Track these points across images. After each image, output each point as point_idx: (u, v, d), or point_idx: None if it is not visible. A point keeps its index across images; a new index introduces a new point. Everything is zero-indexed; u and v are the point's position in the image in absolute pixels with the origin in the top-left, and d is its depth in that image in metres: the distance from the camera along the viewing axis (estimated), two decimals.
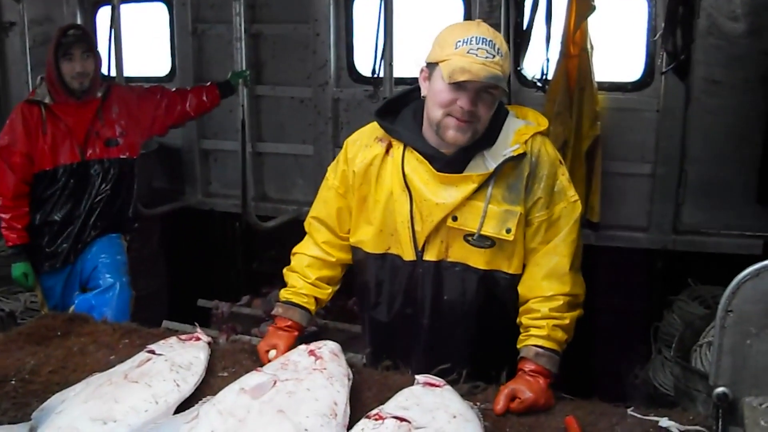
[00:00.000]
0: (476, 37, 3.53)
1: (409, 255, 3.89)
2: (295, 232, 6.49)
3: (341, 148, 7.19)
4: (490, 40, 3.53)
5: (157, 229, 8.22)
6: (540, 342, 3.61)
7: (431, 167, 3.75)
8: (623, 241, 7.09)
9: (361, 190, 3.97)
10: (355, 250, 4.08)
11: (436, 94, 3.62)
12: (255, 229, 7.55)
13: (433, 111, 3.65)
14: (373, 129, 4.01)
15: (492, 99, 3.59)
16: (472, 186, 3.68)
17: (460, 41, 3.54)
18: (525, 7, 7.00)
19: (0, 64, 9.74)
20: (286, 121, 8.11)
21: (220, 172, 8.58)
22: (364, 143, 4.00)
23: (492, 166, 3.67)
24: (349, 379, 3.31)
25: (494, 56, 3.50)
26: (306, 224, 4.23)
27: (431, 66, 3.66)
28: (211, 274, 8.45)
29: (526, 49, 6.96)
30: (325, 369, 3.30)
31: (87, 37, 6.31)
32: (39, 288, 6.53)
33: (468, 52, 3.50)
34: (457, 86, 3.52)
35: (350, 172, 3.99)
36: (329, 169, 4.17)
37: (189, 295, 7.70)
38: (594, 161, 6.83)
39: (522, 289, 3.78)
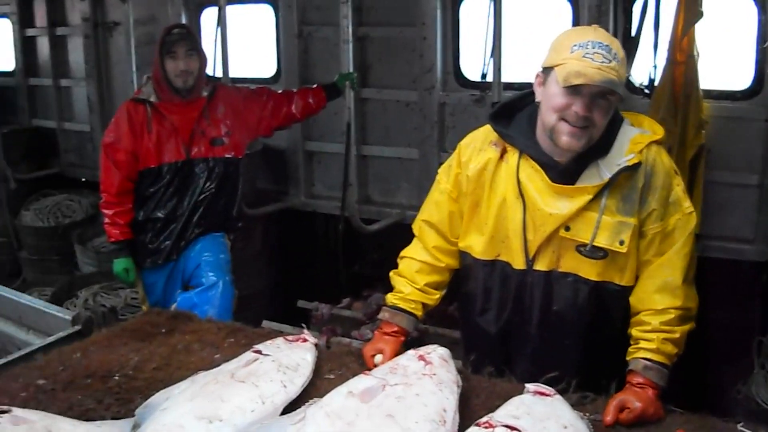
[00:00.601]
0: (592, 42, 3.46)
1: (519, 263, 3.82)
2: (398, 235, 6.45)
3: (446, 152, 7.25)
4: (606, 45, 3.46)
5: (260, 229, 8.25)
6: (649, 355, 3.52)
7: (546, 177, 3.68)
8: (727, 253, 6.89)
9: (474, 194, 3.90)
10: (463, 255, 4.01)
11: (550, 99, 3.55)
12: (358, 231, 7.53)
13: (548, 116, 3.57)
14: (487, 132, 3.93)
15: (608, 105, 3.50)
16: (587, 197, 3.60)
17: (576, 45, 3.47)
18: (633, 13, 6.89)
19: (104, 63, 9.88)
20: (391, 125, 8.06)
21: (324, 173, 8.55)
22: (478, 147, 3.92)
23: (607, 176, 3.59)
24: (458, 386, 3.26)
25: (610, 61, 3.43)
26: (416, 227, 4.16)
27: (546, 71, 3.58)
28: (312, 275, 8.45)
29: (634, 55, 6.84)
30: (434, 374, 3.26)
31: (190, 36, 6.37)
32: (140, 284, 6.59)
33: (584, 56, 3.43)
34: (573, 91, 3.44)
35: (463, 176, 3.93)
36: (441, 171, 4.10)
37: (289, 296, 7.73)
38: (697, 170, 6.69)
39: (633, 300, 3.70)
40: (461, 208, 3.97)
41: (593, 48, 3.45)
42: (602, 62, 3.41)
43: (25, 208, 9.90)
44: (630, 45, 6.81)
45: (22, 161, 10.45)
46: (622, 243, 3.61)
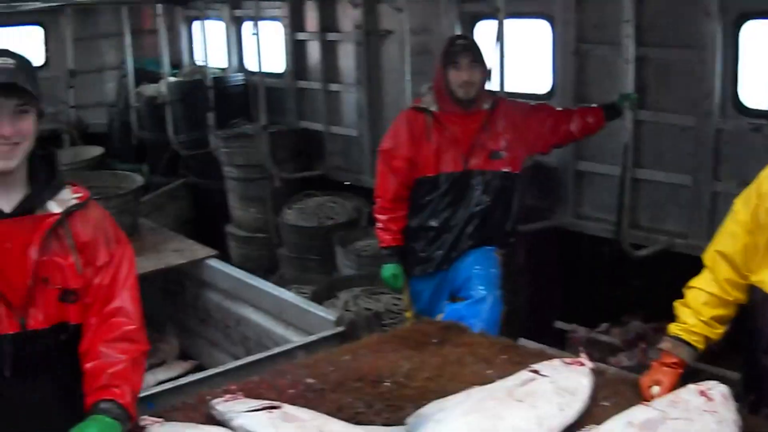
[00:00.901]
0: None
1: None
2: (664, 263, 6.31)
3: (720, 181, 7.02)
4: None
5: (524, 245, 8.17)
6: None
7: None
8: None
9: None
10: (754, 289, 3.78)
11: None
12: (624, 256, 7.35)
13: None
14: None
15: None
16: None
17: None
18: None
19: (375, 70, 9.98)
20: (665, 149, 7.84)
21: (594, 194, 8.38)
22: None
23: None
24: (738, 426, 3.14)
25: None
26: (708, 258, 3.96)
27: None
28: (570, 296, 8.31)
29: None
30: (716, 412, 3.18)
31: (474, 47, 6.31)
32: (407, 291, 6.59)
33: None
34: None
35: (762, 209, 3.71)
36: (738, 201, 3.89)
37: (546, 315, 7.62)
38: None
39: None
40: (757, 241, 3.76)
41: None
42: None
43: (288, 206, 10.08)
44: None
45: (288, 161, 10.66)
46: None
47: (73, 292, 3.42)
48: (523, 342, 6.29)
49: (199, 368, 7.11)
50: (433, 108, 6.25)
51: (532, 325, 7.70)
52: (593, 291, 7.99)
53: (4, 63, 3.30)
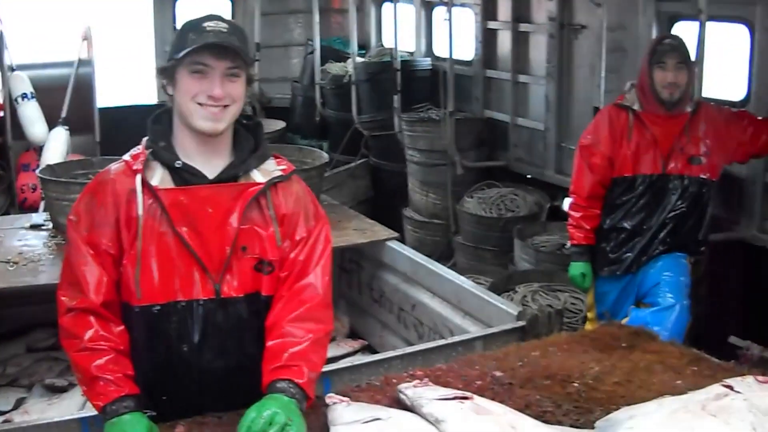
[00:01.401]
0: None
1: None
2: None
3: None
4: None
5: (706, 256, 8.06)
6: None
7: None
8: None
9: None
10: None
11: None
12: None
13: None
14: None
15: None
16: None
17: None
18: None
19: (566, 64, 9.90)
20: None
21: None
22: None
23: None
24: None
25: None
26: None
27: None
28: (749, 312, 8.14)
29: None
30: None
31: (682, 48, 6.23)
32: (592, 291, 6.55)
33: None
34: None
35: None
36: None
37: (719, 329, 7.47)
38: None
39: None
40: None
41: None
42: None
43: (469, 195, 10.08)
44: None
45: (471, 149, 10.64)
46: None
47: (269, 264, 3.49)
48: (707, 355, 6.23)
49: (369, 349, 7.19)
50: (636, 107, 6.21)
51: (705, 337, 7.58)
52: None
53: (217, 26, 3.40)
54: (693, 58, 7.44)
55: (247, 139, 3.61)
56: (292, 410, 3.19)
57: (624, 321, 5.71)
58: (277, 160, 3.62)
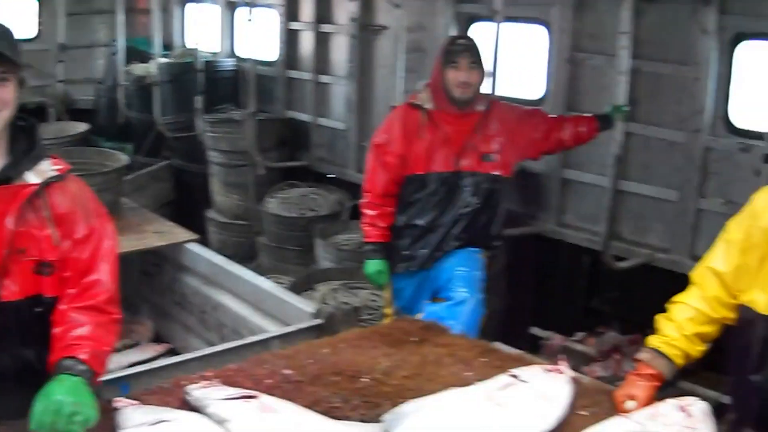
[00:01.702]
0: None
1: None
2: (644, 276, 6.32)
3: (705, 198, 7.06)
4: None
5: (503, 250, 8.19)
6: None
7: None
8: None
9: (763, 247, 3.68)
10: (744, 309, 3.77)
11: None
12: (604, 267, 7.36)
13: None
14: None
15: None
16: None
17: None
18: None
19: (367, 65, 9.97)
20: (652, 163, 7.87)
21: (578, 203, 8.41)
22: None
23: None
24: None
25: None
26: (697, 274, 3.96)
27: None
28: (547, 303, 8.34)
29: None
30: (695, 428, 3.18)
31: (475, 49, 6.30)
32: (389, 288, 6.59)
33: None
34: None
35: (755, 228, 3.71)
36: (731, 221, 3.90)
37: (521, 321, 7.63)
38: None
39: None
40: (748, 261, 3.76)
41: None
42: None
43: (271, 195, 10.05)
44: None
45: (273, 150, 10.65)
46: None
47: (48, 264, 3.42)
48: (498, 346, 6.33)
49: (173, 352, 7.11)
50: (428, 106, 6.26)
51: (508, 330, 7.71)
52: (570, 299, 8.02)
53: None
54: (491, 58, 7.60)
55: (23, 141, 3.51)
56: (79, 390, 3.14)
57: (419, 316, 5.77)
58: (54, 160, 3.54)
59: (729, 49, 7.30)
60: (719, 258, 3.85)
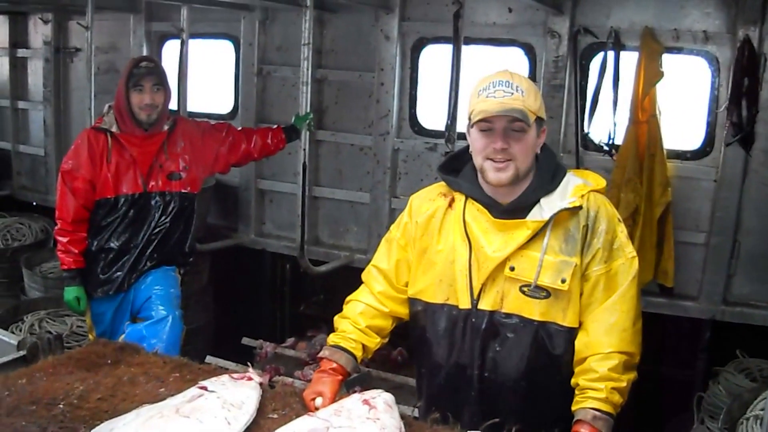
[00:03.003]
0: (494, 81, 3.75)
1: (465, 303, 3.91)
2: (345, 278, 6.53)
3: (398, 198, 7.35)
4: (506, 81, 3.74)
5: (208, 264, 8.26)
6: (598, 405, 3.59)
7: (490, 215, 3.84)
8: (672, 309, 7.04)
9: (422, 241, 4.02)
10: (413, 301, 4.09)
11: (473, 143, 3.82)
12: (306, 272, 7.55)
13: (476, 159, 3.83)
14: (437, 186, 4.11)
15: (523, 135, 3.71)
16: (527, 233, 3.75)
17: (482, 90, 3.76)
18: (590, 71, 7.04)
19: (63, 88, 9.90)
20: (344, 168, 8.14)
21: (275, 213, 8.62)
22: (428, 197, 4.09)
23: (547, 215, 3.74)
24: None
25: (512, 93, 3.70)
26: (364, 273, 4.28)
27: (469, 119, 3.78)
28: (257, 313, 8.46)
29: (593, 112, 6.98)
30: (378, 419, 3.30)
31: (159, 71, 6.36)
32: (89, 313, 6.54)
33: (487, 96, 3.71)
34: (487, 130, 3.71)
35: (413, 224, 4.07)
36: (393, 225, 4.23)
37: (234, 333, 7.73)
38: (665, 227, 6.84)
39: (579, 345, 3.77)
40: (409, 257, 4.09)
41: (494, 87, 3.73)
42: (503, 96, 3.68)
43: None
44: (585, 102, 6.97)
45: None
46: (563, 281, 3.74)
47: None
48: (210, 359, 6.42)
49: None
50: (114, 129, 6.27)
51: (220, 342, 7.83)
52: (279, 307, 8.17)
53: None
54: (181, 75, 7.68)
55: None
56: None
57: (121, 337, 5.82)
58: None
59: (411, 54, 7.61)
60: (382, 256, 4.20)
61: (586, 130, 7.12)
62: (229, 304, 8.45)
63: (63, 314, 7.80)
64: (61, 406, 3.67)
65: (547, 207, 3.76)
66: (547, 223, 3.73)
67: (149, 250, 6.39)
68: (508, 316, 3.84)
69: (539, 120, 3.78)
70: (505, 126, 3.67)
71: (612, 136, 6.94)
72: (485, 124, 3.70)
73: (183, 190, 6.46)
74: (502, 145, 3.68)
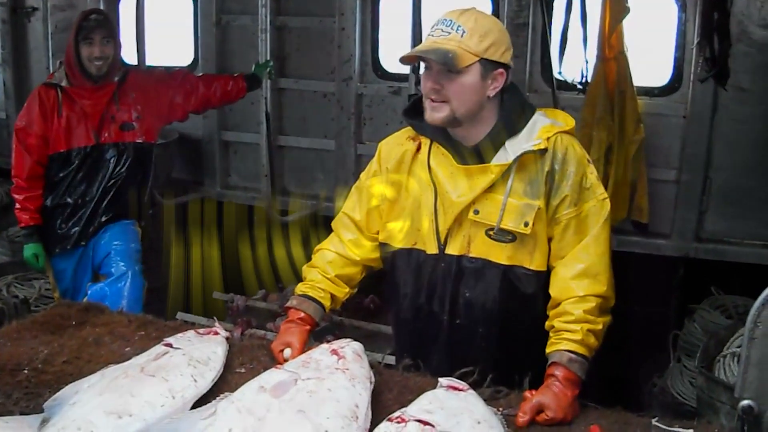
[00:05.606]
0: (439, 20, 3.68)
1: (432, 248, 3.87)
2: (315, 226, 6.49)
3: (363, 144, 7.28)
4: (449, 20, 3.64)
5: (174, 219, 8.20)
6: (573, 347, 3.52)
7: (454, 160, 3.78)
8: (645, 248, 7.00)
9: (392, 187, 3.96)
10: (383, 246, 4.03)
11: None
12: (273, 222, 7.49)
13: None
14: (406, 131, 4.04)
15: (456, 77, 3.61)
16: (491, 177, 3.69)
17: (431, 28, 3.70)
18: (554, 9, 6.95)
19: (21, 49, 9.74)
20: (308, 115, 8.06)
21: (240, 164, 8.52)
22: (397, 142, 4.03)
23: (511, 158, 3.67)
24: (371, 382, 3.25)
25: (449, 33, 3.60)
26: (334, 222, 4.19)
27: None
28: (229, 266, 8.40)
29: (563, 51, 6.88)
30: (347, 369, 3.24)
31: (108, 23, 6.32)
32: (50, 270, 6.56)
33: (428, 35, 3.67)
34: (428, 69, 3.65)
35: (383, 169, 4.01)
36: (363, 172, 4.15)
37: (205, 288, 7.69)
38: (639, 165, 6.77)
39: (553, 290, 3.71)
40: (379, 203, 4.02)
41: (437, 26, 3.66)
42: (440, 36, 3.61)
43: None
44: (548, 40, 6.89)
45: None
46: (526, 225, 3.67)
47: None
48: (181, 315, 6.39)
49: None
50: (64, 83, 6.26)
51: (192, 299, 7.78)
52: (251, 258, 8.11)
53: None
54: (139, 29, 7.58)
55: None
56: None
57: (85, 299, 5.77)
58: None
59: None
60: (351, 204, 4.12)
61: (557, 70, 7.01)
62: (200, 257, 8.38)
63: (31, 278, 7.74)
64: (25, 371, 3.61)
65: (511, 149, 3.69)
66: (510, 166, 3.66)
67: (105, 203, 6.37)
68: (475, 260, 3.79)
69: (490, 62, 3.66)
70: (439, 69, 3.60)
71: (585, 74, 6.82)
72: (427, 63, 3.65)
73: (137, 140, 6.44)
74: (432, 85, 3.63)
